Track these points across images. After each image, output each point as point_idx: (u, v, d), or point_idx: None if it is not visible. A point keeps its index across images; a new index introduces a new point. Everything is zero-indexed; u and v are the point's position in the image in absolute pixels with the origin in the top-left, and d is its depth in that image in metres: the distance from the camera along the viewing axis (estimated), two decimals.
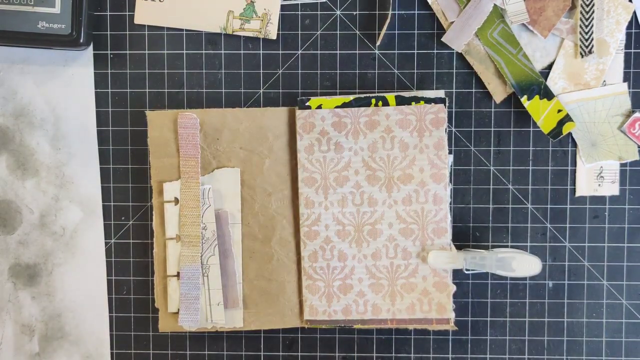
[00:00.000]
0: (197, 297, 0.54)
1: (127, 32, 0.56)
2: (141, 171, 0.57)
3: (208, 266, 0.55)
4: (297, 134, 0.55)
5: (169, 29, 0.56)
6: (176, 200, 0.55)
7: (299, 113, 0.55)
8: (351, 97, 0.55)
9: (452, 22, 0.55)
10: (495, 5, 0.54)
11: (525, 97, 0.54)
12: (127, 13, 0.56)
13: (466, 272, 0.55)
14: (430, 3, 0.55)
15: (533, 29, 0.54)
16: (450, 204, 0.55)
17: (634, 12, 0.54)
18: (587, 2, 0.53)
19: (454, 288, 0.55)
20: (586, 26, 0.53)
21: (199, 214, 0.54)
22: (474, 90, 0.56)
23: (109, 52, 0.57)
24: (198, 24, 0.56)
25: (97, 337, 0.58)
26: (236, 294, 0.55)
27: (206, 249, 0.55)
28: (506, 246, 0.57)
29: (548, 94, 0.54)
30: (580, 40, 0.54)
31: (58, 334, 0.58)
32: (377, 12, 0.56)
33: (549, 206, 0.56)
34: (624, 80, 0.55)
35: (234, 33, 0.56)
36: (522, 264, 0.53)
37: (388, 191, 0.55)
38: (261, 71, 0.56)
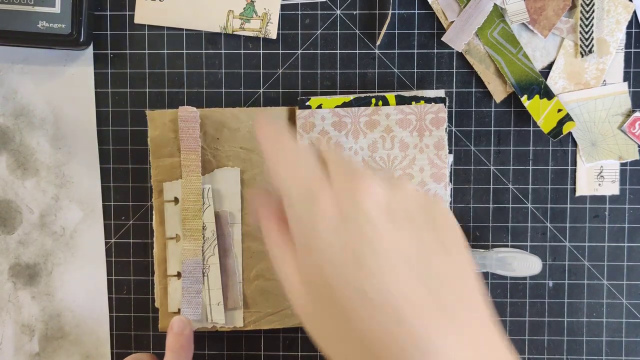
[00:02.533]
0: (199, 291, 0.54)
1: (127, 32, 0.56)
2: (141, 171, 0.57)
3: (208, 266, 0.55)
4: (297, 133, 0.55)
5: (169, 28, 0.56)
6: (176, 200, 0.55)
7: (299, 113, 0.55)
8: (351, 97, 0.55)
9: (452, 22, 0.55)
10: (495, 4, 0.54)
11: (525, 96, 0.54)
12: (127, 13, 0.56)
13: None
14: (430, 3, 0.55)
15: (533, 28, 0.54)
16: (450, 203, 0.55)
17: (634, 12, 0.54)
18: (587, 2, 0.53)
19: None
20: (586, 25, 0.53)
21: (200, 208, 0.54)
22: (474, 90, 0.56)
23: (109, 52, 0.57)
24: (198, 23, 0.56)
25: (97, 337, 0.58)
26: (236, 294, 0.55)
27: (206, 248, 0.55)
28: (506, 246, 0.57)
29: (548, 94, 0.54)
30: (580, 39, 0.54)
31: (58, 334, 0.58)
32: (377, 11, 0.56)
33: (549, 206, 0.56)
34: (624, 80, 0.55)
35: (234, 33, 0.56)
36: (522, 264, 0.53)
37: None
38: (261, 71, 0.56)
